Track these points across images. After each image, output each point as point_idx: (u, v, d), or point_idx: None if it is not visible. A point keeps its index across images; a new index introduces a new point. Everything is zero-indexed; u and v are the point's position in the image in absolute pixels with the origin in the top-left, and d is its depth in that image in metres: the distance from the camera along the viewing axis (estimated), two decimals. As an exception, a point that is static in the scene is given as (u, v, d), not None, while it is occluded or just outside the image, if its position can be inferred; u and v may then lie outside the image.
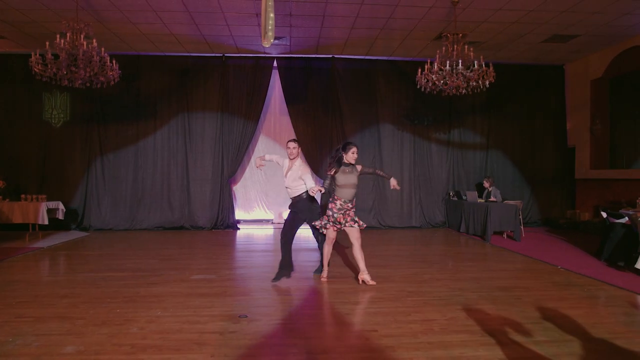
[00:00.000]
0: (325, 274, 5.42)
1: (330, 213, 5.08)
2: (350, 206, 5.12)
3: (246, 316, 4.00)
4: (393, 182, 5.22)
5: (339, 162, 5.05)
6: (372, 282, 5.12)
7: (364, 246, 5.28)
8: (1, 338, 3.46)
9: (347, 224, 5.09)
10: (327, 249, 5.33)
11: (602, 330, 3.66)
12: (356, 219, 5.16)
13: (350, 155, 5.04)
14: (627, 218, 6.21)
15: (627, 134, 9.59)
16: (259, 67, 10.22)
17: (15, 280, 5.39)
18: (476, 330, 3.66)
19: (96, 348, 3.27)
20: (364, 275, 5.15)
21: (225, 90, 10.23)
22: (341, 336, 3.58)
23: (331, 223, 5.10)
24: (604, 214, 6.74)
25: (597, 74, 9.93)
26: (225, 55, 10.15)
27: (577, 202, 10.81)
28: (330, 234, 5.20)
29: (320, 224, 5.17)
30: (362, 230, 5.25)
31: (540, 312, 4.11)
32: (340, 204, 5.06)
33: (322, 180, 5.63)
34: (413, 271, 5.95)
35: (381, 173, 5.46)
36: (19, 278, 5.51)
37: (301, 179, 5.14)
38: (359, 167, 5.19)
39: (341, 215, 5.07)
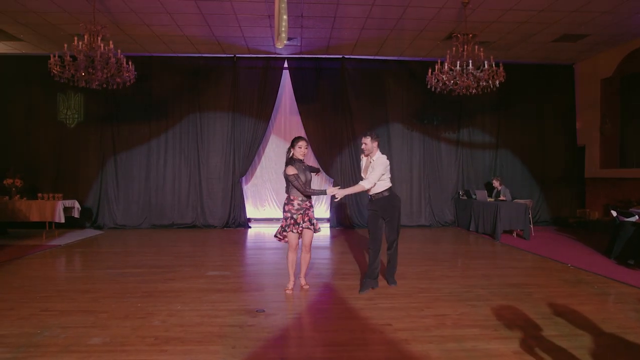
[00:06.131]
0: (291, 284, 4.84)
1: (289, 215, 4.67)
2: (309, 204, 4.78)
3: (263, 310, 4.11)
4: (331, 190, 4.91)
5: (291, 160, 4.72)
6: (307, 286, 4.96)
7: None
8: (29, 330, 3.60)
9: (303, 225, 4.68)
10: (292, 257, 4.81)
11: (612, 326, 3.72)
12: (314, 221, 4.77)
13: (298, 151, 4.69)
14: (637, 217, 6.25)
15: (637, 133, 9.57)
16: (270, 67, 10.34)
17: (35, 276, 5.56)
18: (488, 325, 3.74)
19: (121, 340, 3.40)
20: (303, 280, 4.99)
21: (236, 90, 10.36)
22: (357, 329, 3.67)
23: (291, 226, 4.66)
24: (614, 213, 6.77)
25: (607, 73, 9.93)
26: (237, 55, 10.27)
27: (586, 201, 10.82)
28: (293, 239, 4.72)
29: (279, 232, 4.77)
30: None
31: (551, 308, 4.18)
32: (298, 204, 4.69)
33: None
34: (424, 268, 6.03)
35: (317, 174, 5.13)
36: (40, 274, 5.68)
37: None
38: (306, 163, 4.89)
39: (300, 215, 4.68)
